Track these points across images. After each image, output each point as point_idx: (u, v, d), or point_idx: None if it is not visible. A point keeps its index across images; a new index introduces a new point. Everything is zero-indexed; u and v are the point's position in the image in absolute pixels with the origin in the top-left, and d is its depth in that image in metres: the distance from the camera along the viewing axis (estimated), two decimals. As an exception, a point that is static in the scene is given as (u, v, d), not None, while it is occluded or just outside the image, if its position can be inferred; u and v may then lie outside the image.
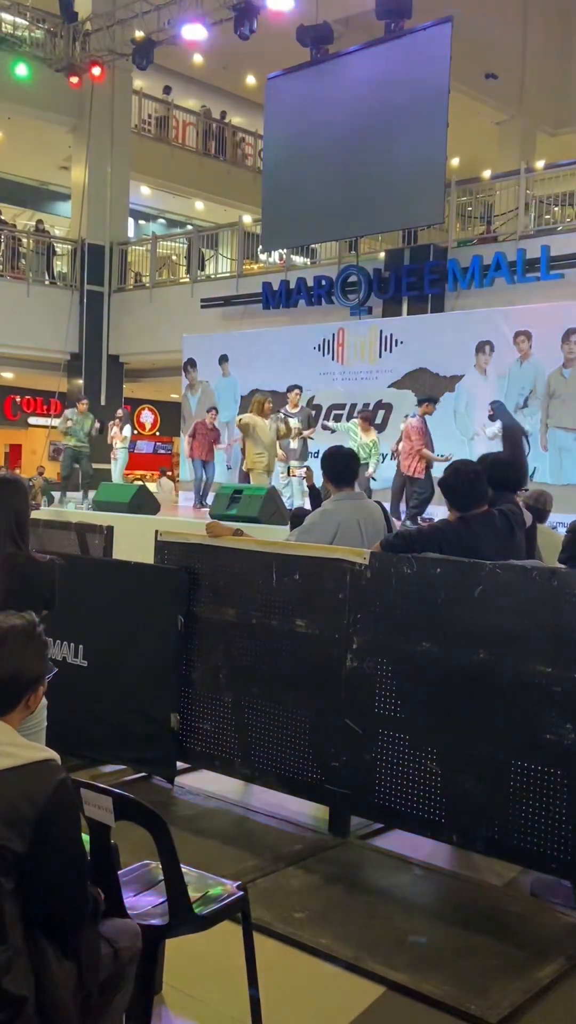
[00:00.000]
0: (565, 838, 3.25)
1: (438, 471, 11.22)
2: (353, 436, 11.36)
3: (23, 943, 1.90)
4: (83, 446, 13.78)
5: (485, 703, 3.44)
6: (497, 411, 10.93)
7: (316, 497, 5.98)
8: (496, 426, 10.93)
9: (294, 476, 10.47)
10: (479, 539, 3.69)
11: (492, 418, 11.06)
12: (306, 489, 8.64)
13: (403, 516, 10.63)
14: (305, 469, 9.24)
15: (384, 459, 12.29)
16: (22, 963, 1.88)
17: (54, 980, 1.91)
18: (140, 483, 14.92)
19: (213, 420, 14.03)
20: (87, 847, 2.29)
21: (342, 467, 4.36)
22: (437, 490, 10.92)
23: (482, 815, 3.44)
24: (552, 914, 3.37)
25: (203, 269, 18.37)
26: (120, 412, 15.18)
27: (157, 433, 25.59)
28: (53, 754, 2.01)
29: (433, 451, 10.88)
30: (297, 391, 11.93)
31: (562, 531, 4.80)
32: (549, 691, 3.27)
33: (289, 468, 10.35)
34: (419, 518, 10.46)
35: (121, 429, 14.53)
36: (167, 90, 21.74)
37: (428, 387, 12.75)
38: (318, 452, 13.03)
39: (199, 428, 14.00)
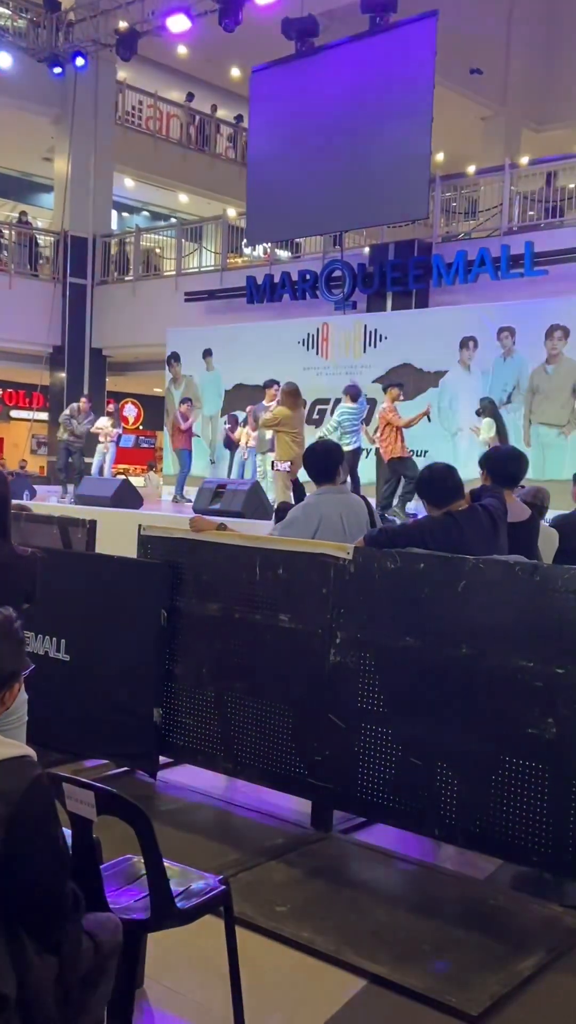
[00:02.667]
0: (546, 831, 3.27)
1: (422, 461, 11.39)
2: (335, 419, 11.44)
3: (2, 940, 1.89)
4: (76, 441, 14.02)
5: (467, 698, 3.45)
6: (485, 408, 10.99)
7: (300, 491, 5.98)
8: (486, 423, 10.98)
9: (277, 470, 10.48)
10: (464, 534, 3.70)
11: (480, 414, 11.09)
12: (289, 483, 8.65)
13: (393, 505, 10.69)
14: (289, 463, 9.23)
15: (368, 454, 12.33)
16: (2, 960, 1.87)
17: (35, 976, 1.90)
18: (123, 477, 14.89)
19: (187, 411, 14.09)
20: (69, 841, 2.28)
21: (322, 462, 4.36)
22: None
23: (464, 809, 3.46)
24: (532, 907, 3.39)
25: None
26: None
27: (140, 427, 25.52)
28: (28, 750, 1.99)
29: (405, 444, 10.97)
30: (276, 387, 11.91)
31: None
32: (531, 685, 3.29)
33: (274, 462, 10.36)
34: (404, 511, 10.50)
35: (114, 424, 14.68)
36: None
37: (412, 382, 12.78)
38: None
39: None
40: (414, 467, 10.71)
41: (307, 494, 5.84)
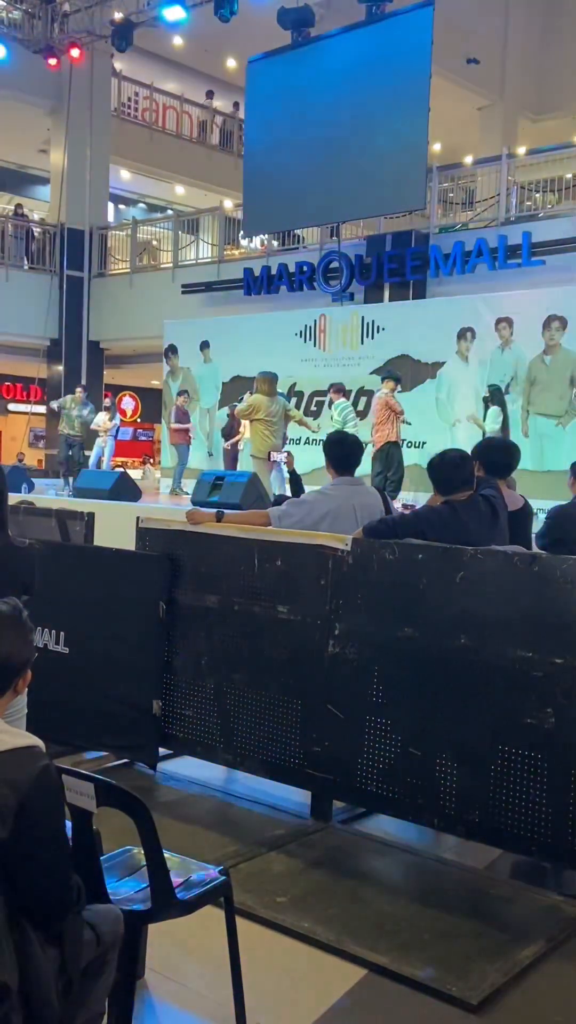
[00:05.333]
0: (545, 821, 3.27)
1: (408, 458, 11.49)
2: (338, 416, 11.54)
3: (7, 931, 1.89)
4: (75, 434, 14.08)
5: (466, 688, 3.45)
6: (494, 395, 11.00)
7: (297, 482, 5.97)
8: (494, 412, 11.01)
9: (275, 460, 10.49)
10: (463, 524, 3.70)
11: (488, 401, 11.12)
12: (286, 475, 8.65)
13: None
14: (286, 454, 9.22)
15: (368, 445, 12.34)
16: (6, 950, 1.88)
17: (38, 967, 1.91)
18: (121, 470, 14.89)
19: (184, 403, 14.15)
20: (69, 833, 2.28)
21: (345, 453, 4.33)
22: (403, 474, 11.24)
23: (463, 799, 3.46)
24: (532, 896, 3.40)
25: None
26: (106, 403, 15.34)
27: (138, 420, 25.50)
28: (37, 741, 2.01)
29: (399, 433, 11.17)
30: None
31: (542, 516, 4.83)
32: (530, 676, 3.29)
33: (269, 454, 10.37)
34: (402, 504, 10.52)
35: (111, 417, 14.73)
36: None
37: (410, 374, 12.77)
38: (300, 439, 13.05)
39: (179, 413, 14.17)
40: (399, 458, 10.94)
41: (302, 484, 5.82)
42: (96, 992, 2.10)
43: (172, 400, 15.66)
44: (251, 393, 10.81)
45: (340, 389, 12.25)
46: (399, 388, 11.59)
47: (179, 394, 14.61)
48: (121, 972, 2.20)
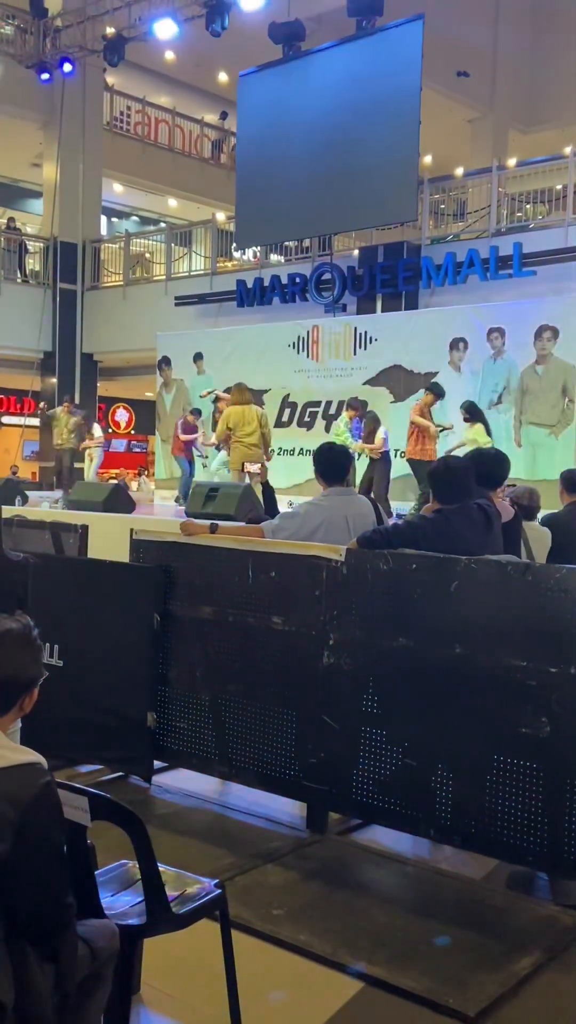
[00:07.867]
0: (541, 831, 3.27)
1: (399, 469, 11.45)
2: (339, 433, 11.50)
3: (3, 947, 1.88)
4: (62, 446, 14.16)
5: (461, 698, 3.45)
6: (471, 412, 10.96)
7: (270, 494, 5.95)
8: (478, 430, 10.98)
9: (247, 472, 10.48)
10: (457, 533, 3.70)
11: (468, 421, 11.09)
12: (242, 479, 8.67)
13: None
14: (259, 465, 9.21)
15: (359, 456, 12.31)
16: (2, 968, 1.87)
17: (34, 984, 1.90)
18: (115, 482, 14.88)
19: (193, 421, 14.15)
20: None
21: (334, 465, 4.33)
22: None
23: (459, 809, 3.46)
24: (529, 907, 3.39)
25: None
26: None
27: (132, 431, 25.51)
28: (39, 757, 2.01)
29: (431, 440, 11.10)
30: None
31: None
32: (525, 685, 3.29)
33: (243, 465, 10.35)
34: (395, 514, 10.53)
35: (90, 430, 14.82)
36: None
37: (403, 384, 12.80)
38: (293, 449, 13.07)
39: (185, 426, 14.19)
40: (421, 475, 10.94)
41: (275, 495, 5.83)
42: (92, 1007, 2.09)
43: (166, 412, 15.67)
44: (215, 405, 10.82)
45: (354, 406, 12.12)
46: (438, 404, 11.29)
47: (191, 412, 14.55)
48: (116, 987, 2.19)
